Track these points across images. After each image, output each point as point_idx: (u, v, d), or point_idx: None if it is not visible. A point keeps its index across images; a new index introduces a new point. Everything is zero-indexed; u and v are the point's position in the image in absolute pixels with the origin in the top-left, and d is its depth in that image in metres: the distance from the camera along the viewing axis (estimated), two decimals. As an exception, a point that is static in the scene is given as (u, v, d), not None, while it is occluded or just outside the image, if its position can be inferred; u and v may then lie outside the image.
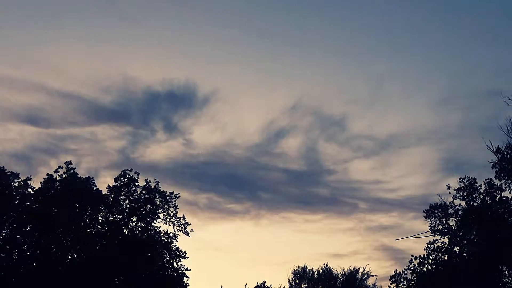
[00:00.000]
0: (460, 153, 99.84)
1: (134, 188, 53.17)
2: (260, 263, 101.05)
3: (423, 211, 52.05)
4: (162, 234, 53.10)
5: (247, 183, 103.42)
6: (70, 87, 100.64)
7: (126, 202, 53.04)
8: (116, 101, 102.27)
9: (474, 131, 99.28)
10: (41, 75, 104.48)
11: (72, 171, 51.94)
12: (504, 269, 48.22)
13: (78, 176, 52.15)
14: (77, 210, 51.09)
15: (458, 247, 50.96)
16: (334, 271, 65.11)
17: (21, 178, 50.59)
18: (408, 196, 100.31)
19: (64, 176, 51.60)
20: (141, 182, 53.50)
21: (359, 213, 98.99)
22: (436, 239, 51.44)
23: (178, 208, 53.81)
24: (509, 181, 48.84)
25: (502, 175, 48.98)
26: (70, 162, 52.40)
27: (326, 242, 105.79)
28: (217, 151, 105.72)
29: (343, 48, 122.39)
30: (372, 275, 64.91)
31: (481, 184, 50.70)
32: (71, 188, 51.05)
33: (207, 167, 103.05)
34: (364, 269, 64.76)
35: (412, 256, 52.27)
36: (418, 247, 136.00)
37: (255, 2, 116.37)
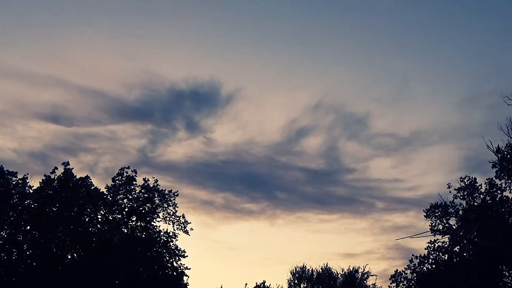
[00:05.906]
0: (482, 151, 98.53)
1: (133, 187, 52.97)
2: (271, 263, 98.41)
3: (423, 210, 52.04)
4: (162, 234, 52.89)
5: (265, 182, 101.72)
6: (94, 84, 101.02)
7: (126, 201, 52.85)
8: (140, 99, 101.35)
9: (497, 130, 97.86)
10: (65, 72, 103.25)
11: (68, 171, 51.65)
12: (504, 269, 48.15)
13: (75, 176, 51.88)
14: (76, 209, 50.83)
15: (458, 247, 50.88)
16: (334, 271, 64.90)
17: (18, 177, 50.40)
18: (426, 195, 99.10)
19: (61, 176, 51.30)
20: (140, 181, 53.45)
21: (375, 213, 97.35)
22: (437, 239, 51.43)
23: (177, 207, 53.74)
24: (510, 181, 48.74)
25: (502, 174, 48.89)
26: (68, 163, 52.19)
27: (340, 242, 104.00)
28: (237, 150, 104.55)
29: (367, 46, 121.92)
30: (372, 275, 64.67)
31: (481, 184, 50.74)
32: (70, 187, 50.81)
33: (226, 166, 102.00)
34: (364, 268, 64.51)
35: (412, 255, 52.30)
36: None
37: (278, 1, 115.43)
